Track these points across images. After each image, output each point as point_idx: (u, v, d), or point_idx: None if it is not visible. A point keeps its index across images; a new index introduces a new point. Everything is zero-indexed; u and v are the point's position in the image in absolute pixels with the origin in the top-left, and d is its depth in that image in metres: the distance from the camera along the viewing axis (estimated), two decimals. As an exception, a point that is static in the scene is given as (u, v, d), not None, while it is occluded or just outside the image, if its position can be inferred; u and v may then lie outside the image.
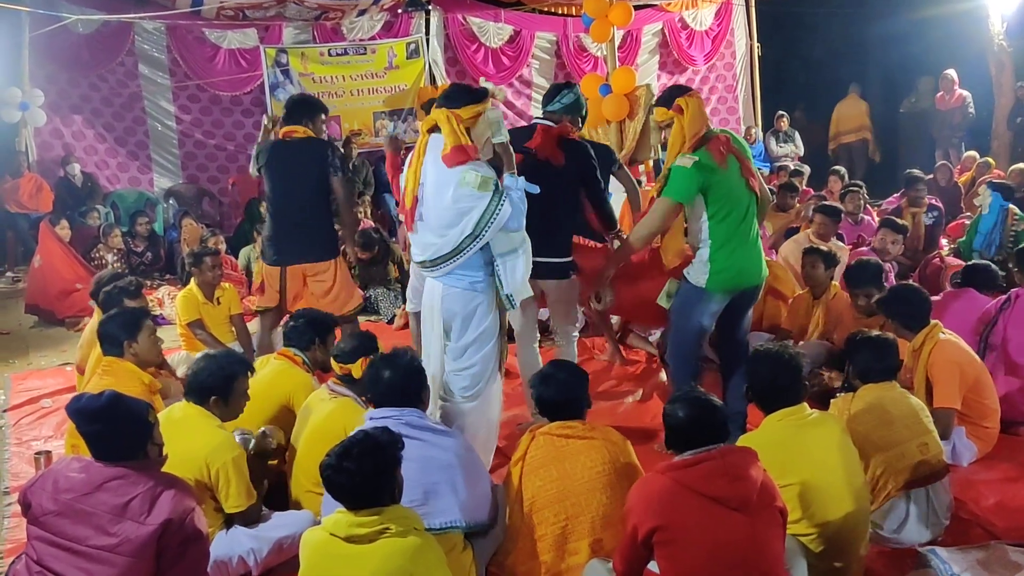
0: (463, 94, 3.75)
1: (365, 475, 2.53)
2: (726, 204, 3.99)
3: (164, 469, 2.81)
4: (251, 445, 3.61)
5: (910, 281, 5.54)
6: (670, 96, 4.13)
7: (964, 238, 7.25)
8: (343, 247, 5.23)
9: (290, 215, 4.98)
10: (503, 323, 4.02)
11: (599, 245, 4.89)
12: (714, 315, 4.19)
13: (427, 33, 11.90)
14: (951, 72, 11.62)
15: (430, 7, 11.70)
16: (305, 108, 5.05)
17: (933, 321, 4.18)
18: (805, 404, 3.21)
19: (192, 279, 5.88)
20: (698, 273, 4.08)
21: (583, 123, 4.94)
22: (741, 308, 4.26)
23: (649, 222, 4.12)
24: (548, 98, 4.58)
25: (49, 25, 9.39)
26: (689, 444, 2.76)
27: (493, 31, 12.28)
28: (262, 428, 3.69)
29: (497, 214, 3.59)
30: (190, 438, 3.25)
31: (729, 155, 3.97)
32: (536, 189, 3.76)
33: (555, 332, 4.78)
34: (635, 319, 5.84)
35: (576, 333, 4.78)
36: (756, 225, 4.15)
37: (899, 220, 6.64)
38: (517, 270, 3.74)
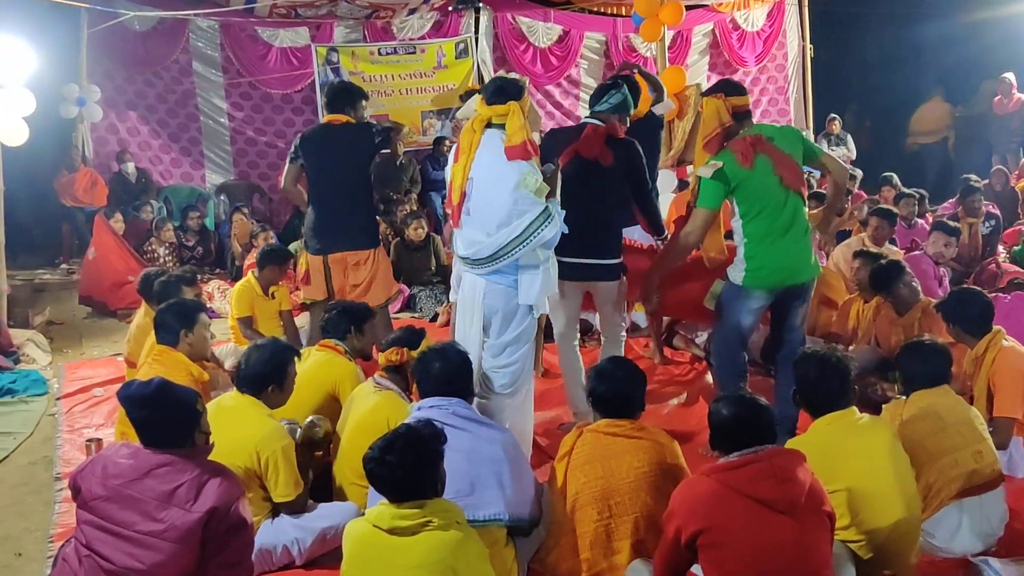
0: (515, 87, 3.74)
1: (407, 468, 2.54)
2: (756, 203, 4.02)
3: (214, 457, 2.84)
4: (298, 434, 3.64)
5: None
6: (708, 89, 4.26)
7: (1020, 246, 7.09)
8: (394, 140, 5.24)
9: (332, 202, 5.01)
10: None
11: (646, 245, 4.84)
12: (754, 313, 4.19)
13: (476, 33, 11.92)
14: (1009, 75, 11.37)
15: (480, 6, 11.73)
16: (346, 96, 5.07)
17: (996, 327, 4.05)
18: (855, 408, 3.16)
19: (251, 272, 5.94)
20: (736, 271, 4.12)
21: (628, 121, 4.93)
22: (789, 307, 4.21)
23: (689, 231, 4.18)
24: (596, 98, 4.53)
25: (107, 22, 9.55)
26: (734, 445, 2.72)
27: (542, 31, 12.26)
28: (309, 417, 3.72)
29: (543, 228, 3.58)
30: (241, 426, 3.30)
31: (758, 154, 3.98)
32: (566, 229, 3.73)
33: (603, 333, 4.75)
34: (683, 318, 5.79)
35: (624, 333, 4.74)
36: (800, 220, 4.09)
37: (952, 223, 6.50)
38: (535, 285, 3.72)
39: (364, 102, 5.12)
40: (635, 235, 4.92)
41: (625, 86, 4.60)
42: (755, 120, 4.28)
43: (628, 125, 4.65)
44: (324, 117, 5.13)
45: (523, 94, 3.70)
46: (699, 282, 4.45)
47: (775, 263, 4.04)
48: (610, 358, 3.51)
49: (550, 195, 3.67)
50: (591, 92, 4.79)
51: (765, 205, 4.01)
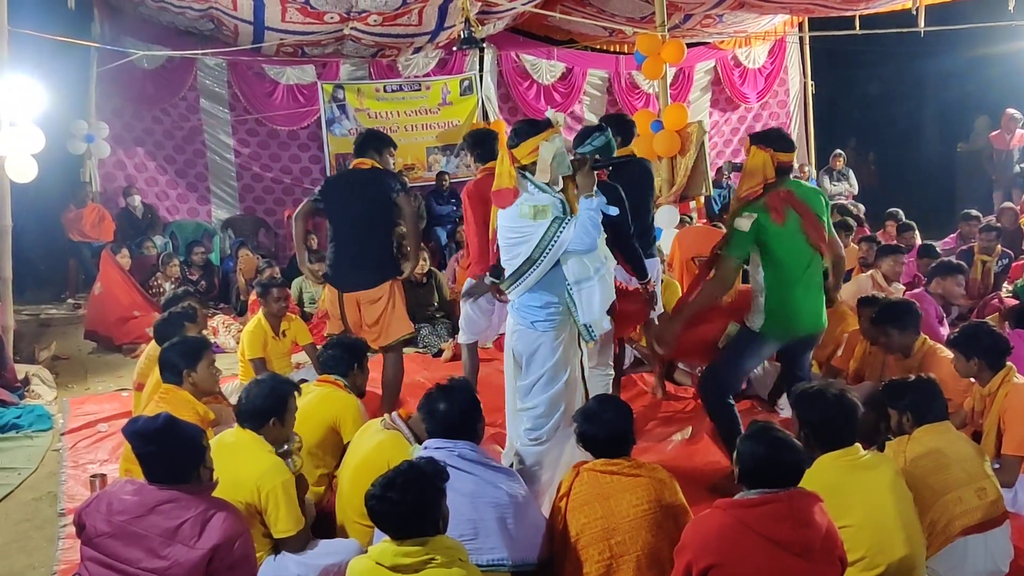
0: (523, 130, 3.82)
1: (408, 505, 2.54)
2: (781, 257, 4.09)
3: (216, 493, 2.85)
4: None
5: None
6: (758, 135, 4.23)
7: (1022, 280, 7.11)
8: (403, 264, 5.27)
9: (349, 241, 5.10)
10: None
11: (631, 288, 4.83)
12: (763, 358, 4.38)
13: (481, 70, 12.07)
14: (1013, 111, 11.38)
15: (484, 45, 11.86)
16: (373, 142, 5.21)
17: (1008, 364, 4.05)
18: (859, 445, 3.16)
19: (260, 310, 5.96)
20: (755, 317, 4.18)
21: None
22: (799, 353, 4.35)
23: (717, 280, 4.19)
24: (579, 140, 4.58)
25: (116, 60, 9.68)
26: (760, 483, 2.71)
27: (546, 68, 12.41)
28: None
29: (556, 239, 3.64)
30: (242, 462, 3.30)
31: (788, 209, 4.04)
32: (614, 211, 3.79)
33: (586, 374, 4.74)
34: (696, 360, 5.76)
35: (611, 372, 4.75)
36: (818, 275, 4.19)
37: (956, 260, 6.54)
38: (593, 298, 3.74)
39: (392, 149, 5.25)
40: (619, 276, 4.92)
41: (609, 129, 4.64)
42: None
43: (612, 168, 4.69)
44: (352, 163, 5.24)
45: (522, 139, 3.77)
46: (713, 325, 4.45)
47: (794, 315, 4.13)
48: (596, 397, 3.50)
49: (583, 192, 3.76)
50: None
51: (790, 260, 4.09)
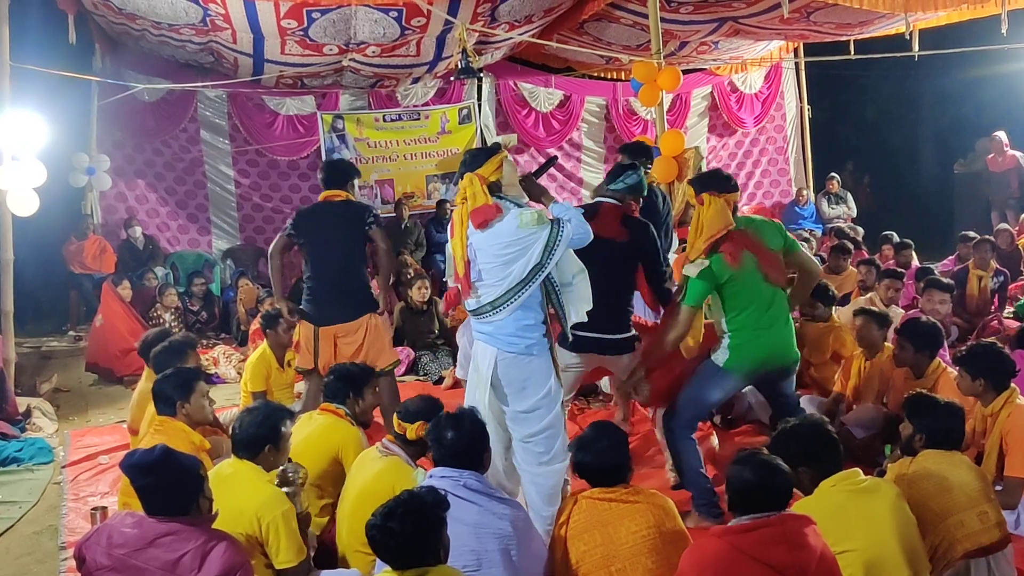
0: (479, 154, 3.87)
1: (409, 535, 2.54)
2: (742, 300, 4.12)
3: (216, 524, 2.85)
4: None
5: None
6: (704, 182, 4.21)
7: (1022, 301, 7.12)
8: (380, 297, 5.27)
9: (328, 276, 5.10)
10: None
11: (650, 323, 4.87)
12: (728, 392, 4.36)
13: (479, 99, 12.15)
14: (1000, 134, 11.48)
15: (482, 74, 11.95)
16: (342, 175, 5.23)
17: (1012, 385, 4.05)
18: (859, 470, 3.16)
19: (264, 342, 5.95)
20: (720, 353, 4.20)
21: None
22: (774, 382, 4.34)
23: (676, 328, 4.21)
24: (612, 177, 4.62)
25: (117, 94, 9.76)
26: (752, 508, 2.71)
27: (543, 96, 12.50)
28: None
29: (560, 238, 3.65)
30: (241, 493, 3.29)
31: (744, 252, 4.06)
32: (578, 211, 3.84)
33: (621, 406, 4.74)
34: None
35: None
36: (783, 310, 4.20)
37: (945, 279, 6.56)
38: (579, 300, 3.82)
39: (357, 179, 5.26)
40: (641, 313, 4.95)
41: (641, 169, 4.67)
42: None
43: (642, 205, 4.72)
44: (321, 195, 5.21)
45: (483, 160, 3.79)
46: (688, 368, 4.46)
47: (758, 354, 4.15)
48: (592, 425, 3.45)
49: (546, 200, 3.85)
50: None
51: (751, 301, 4.11)
